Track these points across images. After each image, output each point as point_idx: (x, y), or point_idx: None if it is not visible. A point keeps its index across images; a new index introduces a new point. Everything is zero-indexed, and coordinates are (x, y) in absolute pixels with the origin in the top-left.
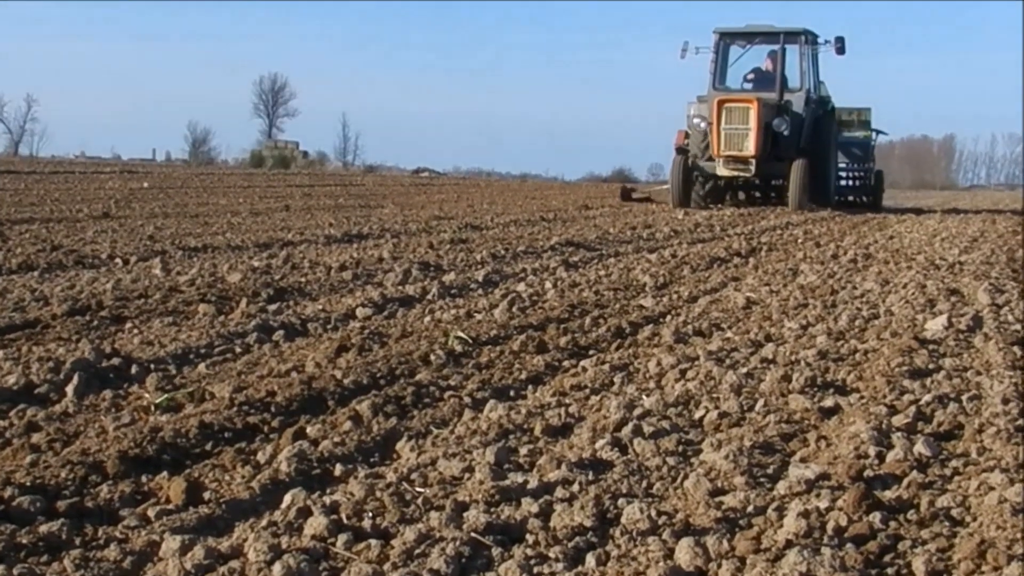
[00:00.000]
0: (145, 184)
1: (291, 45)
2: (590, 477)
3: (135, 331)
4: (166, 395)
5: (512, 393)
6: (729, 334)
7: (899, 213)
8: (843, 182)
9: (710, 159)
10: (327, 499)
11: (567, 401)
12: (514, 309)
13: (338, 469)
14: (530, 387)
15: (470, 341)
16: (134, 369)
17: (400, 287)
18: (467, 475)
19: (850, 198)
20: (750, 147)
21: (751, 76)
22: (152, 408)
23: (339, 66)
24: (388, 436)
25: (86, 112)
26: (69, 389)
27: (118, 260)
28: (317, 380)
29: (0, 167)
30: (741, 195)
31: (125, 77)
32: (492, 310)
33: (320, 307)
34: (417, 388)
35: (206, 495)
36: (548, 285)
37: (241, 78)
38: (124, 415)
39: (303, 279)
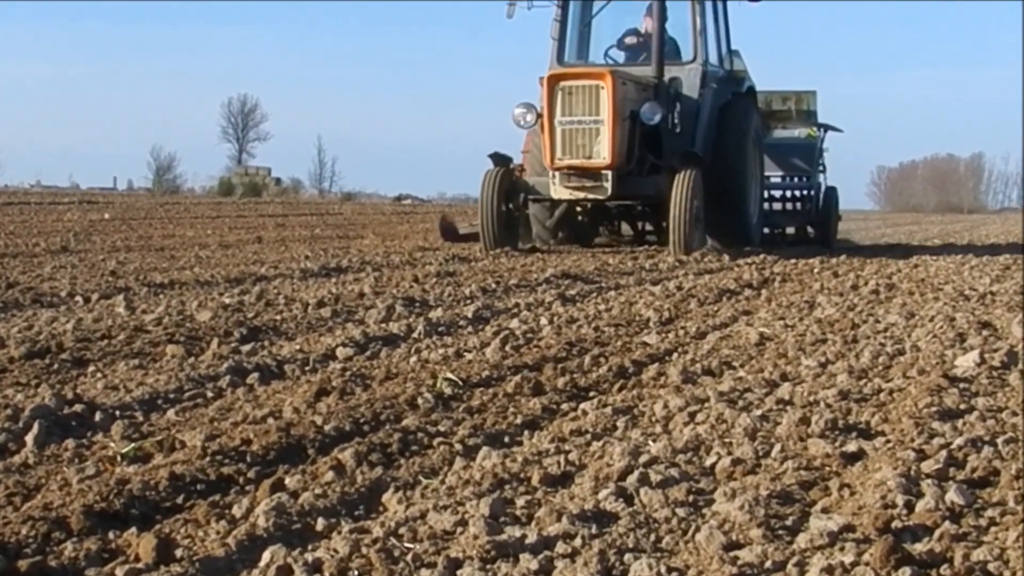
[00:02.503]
0: (106, 215)
1: (261, 64)
2: (593, 530)
3: (98, 375)
4: (133, 444)
5: (507, 439)
6: (741, 373)
7: (863, 255)
8: (776, 205)
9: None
10: (309, 556)
11: (566, 448)
12: (507, 348)
13: (320, 523)
14: (526, 432)
15: (460, 383)
16: (98, 416)
17: (383, 325)
18: (460, 529)
19: (788, 230)
20: (602, 152)
21: (626, 43)
22: (118, 458)
23: (313, 86)
24: (373, 487)
25: (41, 138)
26: (29, 438)
27: (78, 298)
28: (296, 427)
29: None
30: (615, 227)
31: (83, 101)
32: (483, 349)
33: (297, 347)
34: (404, 435)
35: (178, 552)
36: (544, 321)
37: (208, 100)
38: (88, 466)
39: (278, 317)
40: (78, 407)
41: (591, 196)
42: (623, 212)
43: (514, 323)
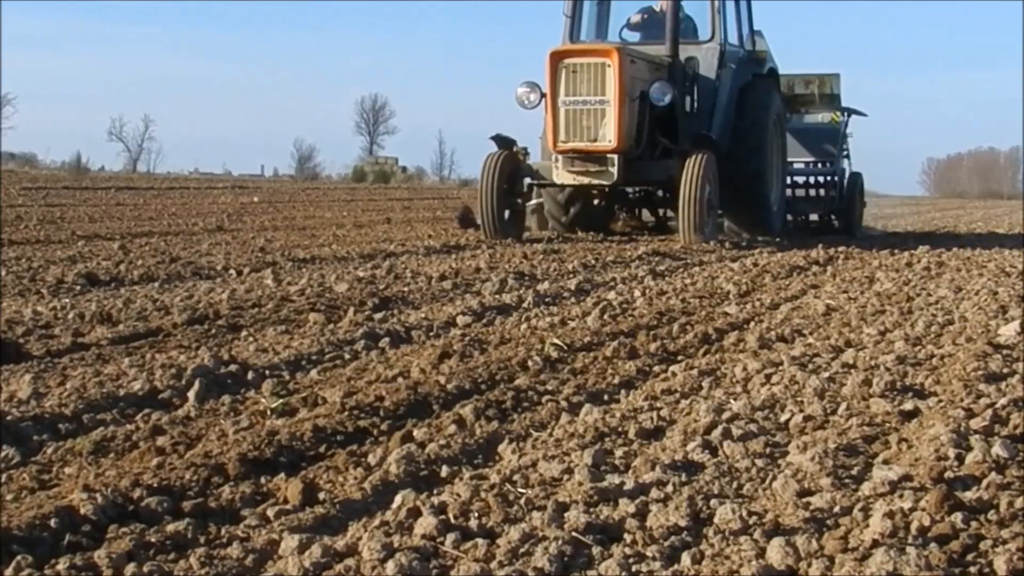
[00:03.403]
0: (255, 199)
1: (391, 66)
2: (683, 478)
3: (250, 339)
4: (281, 400)
5: (606, 397)
6: (810, 340)
7: (892, 248)
8: (799, 192)
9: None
10: (435, 500)
11: (658, 405)
12: (606, 316)
13: (444, 471)
14: (623, 391)
15: (565, 348)
16: (250, 375)
17: (497, 296)
18: (566, 476)
19: (812, 217)
20: (608, 134)
21: (637, 20)
22: (268, 412)
23: (436, 85)
24: (490, 439)
25: (199, 131)
26: (191, 394)
27: (232, 271)
28: (422, 385)
29: (120, 184)
30: (635, 213)
31: (235, 97)
32: (585, 318)
33: (423, 315)
34: (516, 393)
35: (321, 496)
36: (637, 293)
37: (343, 97)
38: (243, 419)
39: (406, 288)
40: (233, 367)
41: (596, 181)
42: (643, 198)
43: (611, 295)
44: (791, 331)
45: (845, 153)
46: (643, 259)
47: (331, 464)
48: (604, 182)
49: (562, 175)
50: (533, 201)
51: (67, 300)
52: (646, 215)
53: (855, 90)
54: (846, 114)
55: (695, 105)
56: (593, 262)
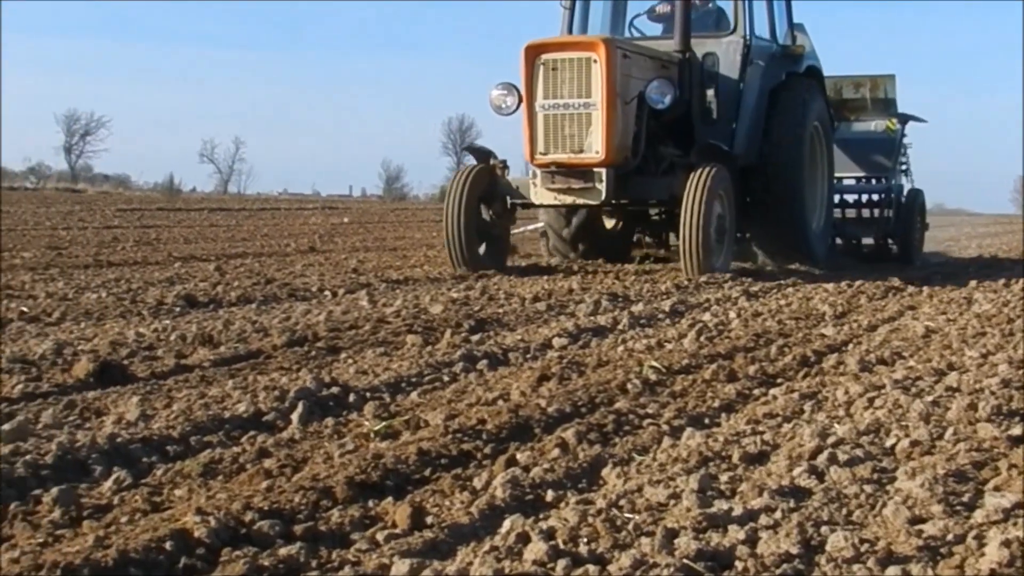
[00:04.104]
0: (345, 219)
1: (478, 87)
2: (791, 504)
3: (349, 361)
4: (384, 423)
5: (707, 421)
6: (911, 363)
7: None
8: (850, 212)
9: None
10: (543, 524)
11: (761, 429)
12: (702, 339)
13: (550, 495)
14: (724, 415)
15: (663, 370)
16: (352, 397)
17: (592, 317)
18: (673, 501)
19: (866, 242)
20: (594, 144)
21: (664, 9)
22: (371, 435)
23: None
24: (593, 462)
25: (288, 152)
26: (294, 417)
27: (327, 292)
28: (523, 408)
29: (213, 205)
30: (662, 238)
31: (323, 118)
32: (681, 339)
33: (519, 337)
34: (617, 416)
35: (429, 520)
36: (732, 315)
37: (430, 119)
38: (347, 442)
39: (500, 310)
40: (335, 389)
41: (580, 201)
42: (668, 220)
43: (706, 316)
44: (891, 353)
45: (903, 167)
46: (736, 279)
47: (437, 488)
48: (590, 201)
49: (540, 193)
50: (535, 224)
51: (168, 322)
52: (673, 239)
53: (944, 103)
54: (902, 122)
55: (714, 110)
56: (686, 283)
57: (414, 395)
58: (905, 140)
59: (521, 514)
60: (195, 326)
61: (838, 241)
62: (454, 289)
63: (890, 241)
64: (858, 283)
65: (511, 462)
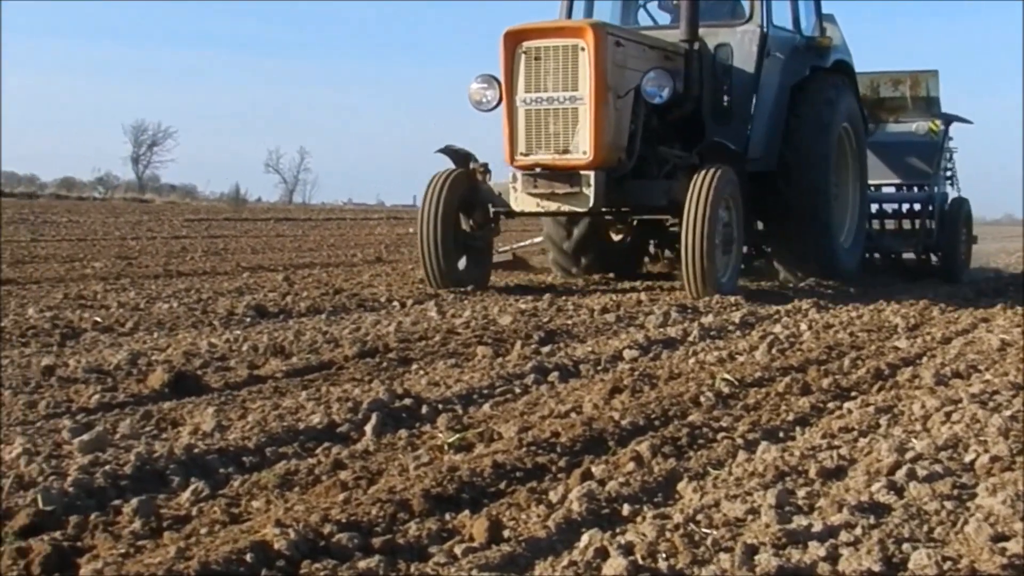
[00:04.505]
0: (411, 230)
1: None
2: (871, 521)
3: (421, 372)
4: (457, 435)
5: (781, 435)
6: (988, 376)
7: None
8: (889, 224)
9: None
10: (621, 539)
11: (837, 443)
12: (774, 351)
13: (626, 509)
14: (798, 429)
15: (736, 383)
16: (424, 409)
17: (661, 329)
18: (751, 517)
19: (905, 255)
20: (581, 143)
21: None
22: (445, 447)
23: None
24: (669, 477)
25: (352, 162)
26: (368, 428)
27: (396, 303)
28: (596, 421)
29: (279, 215)
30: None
31: (387, 128)
32: (752, 352)
33: (589, 349)
34: (691, 429)
35: (506, 533)
36: (803, 327)
37: (494, 129)
38: (421, 454)
39: (569, 321)
40: (407, 401)
41: (566, 207)
42: None
43: (777, 328)
44: (966, 367)
45: (947, 173)
46: (806, 290)
47: (513, 501)
48: (577, 208)
49: (521, 199)
50: (535, 239)
51: (239, 332)
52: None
53: (989, 102)
54: (946, 123)
55: (728, 107)
56: (756, 294)
57: (486, 407)
58: (950, 144)
59: (598, 528)
60: (266, 336)
61: (875, 255)
62: (522, 300)
63: (933, 255)
64: (931, 295)
65: (586, 475)
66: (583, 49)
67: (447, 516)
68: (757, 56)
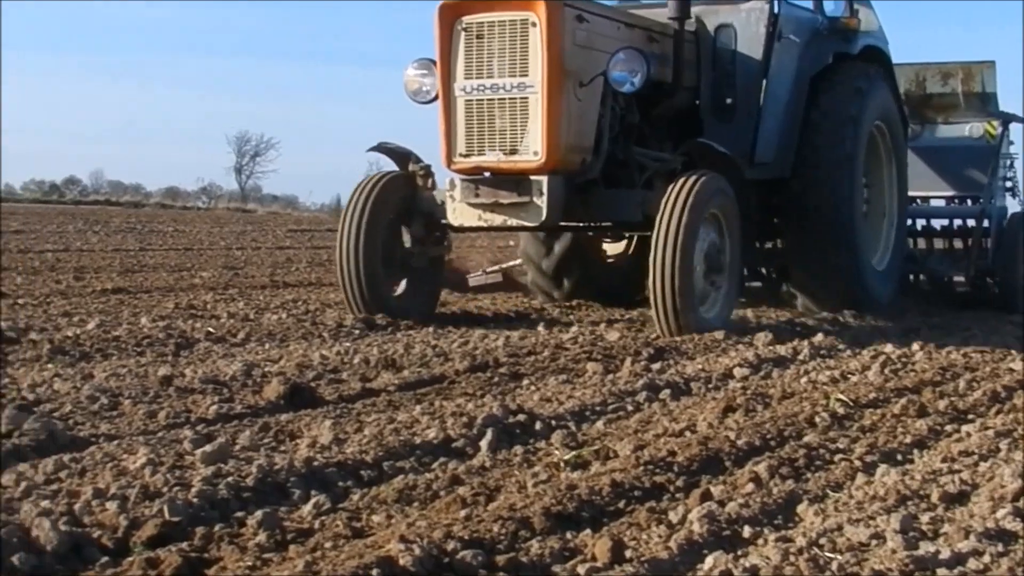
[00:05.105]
0: (511, 243)
1: None
2: (999, 548)
3: (532, 388)
4: (573, 452)
5: (900, 457)
6: None
7: None
8: (938, 243)
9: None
10: (746, 562)
11: (957, 467)
12: (886, 371)
13: (747, 531)
14: (916, 451)
15: (850, 403)
16: (538, 425)
17: (771, 347)
18: (875, 542)
19: (956, 280)
20: (532, 141)
21: None
22: (561, 464)
23: None
24: (788, 498)
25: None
26: (483, 444)
27: (503, 317)
28: (711, 441)
29: None
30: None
31: None
32: (865, 371)
33: (699, 366)
34: (808, 450)
35: (628, 553)
36: (915, 346)
37: None
38: (538, 471)
39: (677, 338)
40: (520, 417)
41: (513, 221)
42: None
43: (888, 347)
44: None
45: (1008, 184)
46: (916, 309)
47: (633, 521)
48: (525, 222)
49: (460, 211)
50: (512, 262)
51: (348, 344)
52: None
53: None
54: (1005, 124)
55: (730, 101)
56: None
57: (599, 424)
58: (1009, 148)
59: (721, 550)
60: (376, 349)
61: (921, 279)
62: (627, 315)
63: (987, 280)
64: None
65: (706, 496)
66: (534, 24)
67: (568, 535)
68: (766, 39)
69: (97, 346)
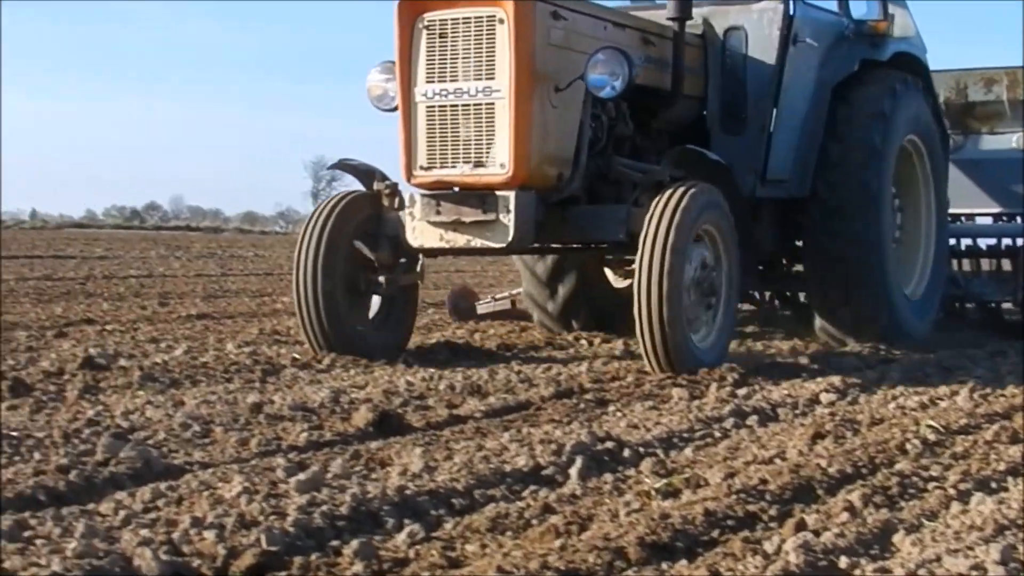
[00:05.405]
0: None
1: None
2: None
3: (619, 414)
4: (663, 480)
5: (994, 485)
6: None
7: None
8: (984, 264)
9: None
10: None
11: None
12: (975, 396)
13: (843, 561)
14: (1010, 479)
15: (941, 430)
16: (626, 452)
17: (858, 372)
18: (975, 573)
19: (1005, 306)
20: (499, 153)
21: None
22: (652, 493)
23: None
24: (883, 528)
25: None
26: (572, 472)
27: (583, 342)
28: (803, 468)
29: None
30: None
31: None
32: (954, 396)
33: (785, 391)
34: (900, 478)
35: None
36: (1004, 369)
37: None
38: (629, 499)
39: (763, 363)
40: (609, 444)
41: (478, 242)
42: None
43: (978, 371)
44: None
45: None
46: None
47: (727, 551)
48: (491, 243)
49: (420, 231)
50: (500, 294)
51: (432, 370)
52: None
53: None
54: None
55: (741, 111)
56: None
57: (688, 451)
58: None
59: None
60: (460, 375)
61: (965, 305)
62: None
63: None
64: None
65: (800, 525)
66: (502, 21)
67: (664, 565)
68: (779, 43)
69: (186, 372)
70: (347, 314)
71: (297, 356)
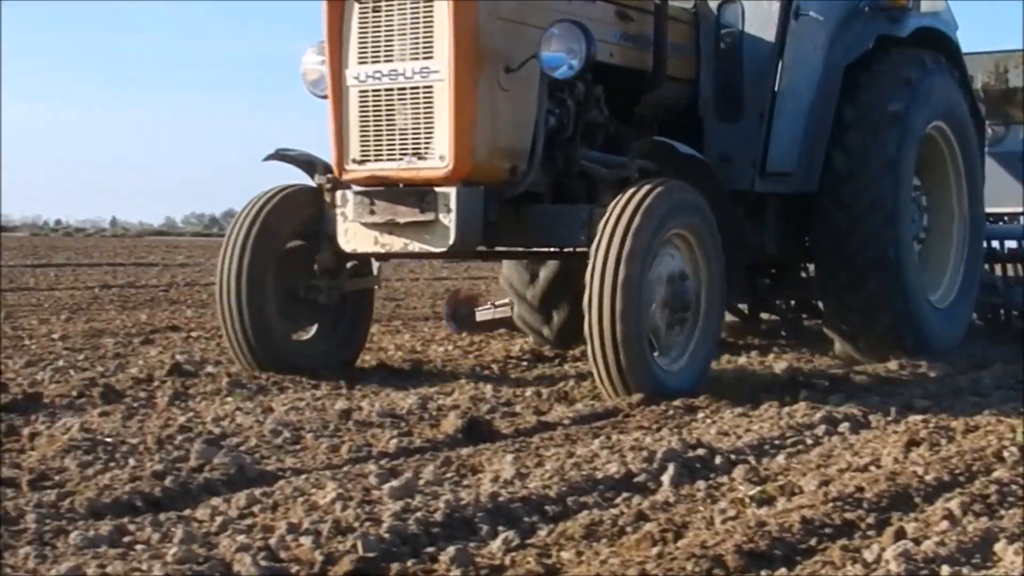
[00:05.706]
0: None
1: None
2: None
3: (708, 420)
4: (757, 488)
5: None
6: None
7: None
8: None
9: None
10: None
11: None
12: None
13: (945, 570)
14: None
15: None
16: (718, 459)
17: (951, 378)
18: None
19: None
20: (438, 144)
21: None
22: (747, 500)
23: None
24: (984, 536)
25: None
26: (664, 479)
27: None
28: (899, 476)
29: None
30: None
31: None
32: None
33: (876, 398)
34: (999, 486)
35: None
36: None
37: None
38: (724, 506)
39: (850, 369)
40: (700, 451)
41: (416, 246)
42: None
43: None
44: None
45: None
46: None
47: (826, 559)
48: (430, 247)
49: (352, 233)
50: (501, 301)
51: (518, 376)
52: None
53: None
54: None
55: (738, 96)
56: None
57: (780, 458)
58: None
59: None
60: (547, 381)
61: (1001, 313)
62: (796, 344)
63: None
64: None
65: (899, 534)
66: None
67: (763, 573)
68: (780, 17)
69: (273, 379)
70: (280, 326)
71: (382, 361)
